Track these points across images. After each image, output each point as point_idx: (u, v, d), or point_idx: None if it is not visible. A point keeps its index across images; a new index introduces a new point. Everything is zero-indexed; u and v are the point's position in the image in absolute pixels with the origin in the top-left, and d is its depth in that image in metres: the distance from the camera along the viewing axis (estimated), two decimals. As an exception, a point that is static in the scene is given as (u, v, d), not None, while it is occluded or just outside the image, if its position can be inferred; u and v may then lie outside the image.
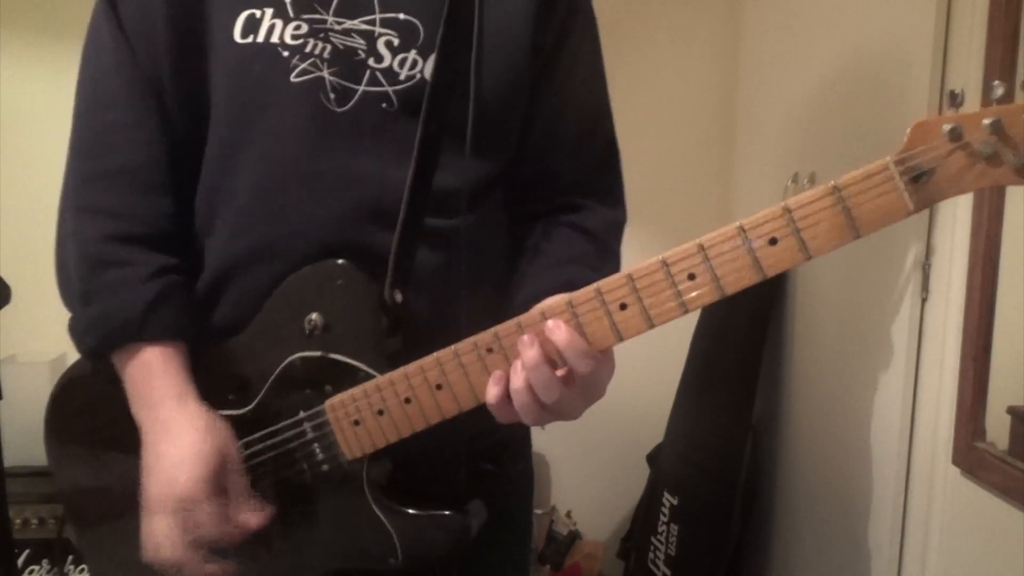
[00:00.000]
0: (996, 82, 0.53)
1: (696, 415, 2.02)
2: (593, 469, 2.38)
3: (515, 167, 0.83)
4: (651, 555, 1.99)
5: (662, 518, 1.97)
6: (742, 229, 0.58)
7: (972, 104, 0.53)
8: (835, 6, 1.65)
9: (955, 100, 0.53)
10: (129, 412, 0.74)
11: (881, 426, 1.43)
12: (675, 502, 1.94)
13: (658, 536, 1.97)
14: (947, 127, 0.52)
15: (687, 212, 2.27)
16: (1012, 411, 1.14)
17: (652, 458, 2.19)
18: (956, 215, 1.23)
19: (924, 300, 1.31)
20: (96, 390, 0.79)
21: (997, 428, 1.16)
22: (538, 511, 2.26)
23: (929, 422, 1.30)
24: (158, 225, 0.76)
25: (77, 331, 0.74)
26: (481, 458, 0.81)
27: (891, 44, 1.40)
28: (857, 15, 1.54)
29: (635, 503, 2.21)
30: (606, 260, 0.82)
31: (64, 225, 0.77)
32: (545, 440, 2.36)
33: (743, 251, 0.58)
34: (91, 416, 0.81)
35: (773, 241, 0.57)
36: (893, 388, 1.38)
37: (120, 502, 0.77)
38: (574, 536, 2.24)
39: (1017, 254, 1.12)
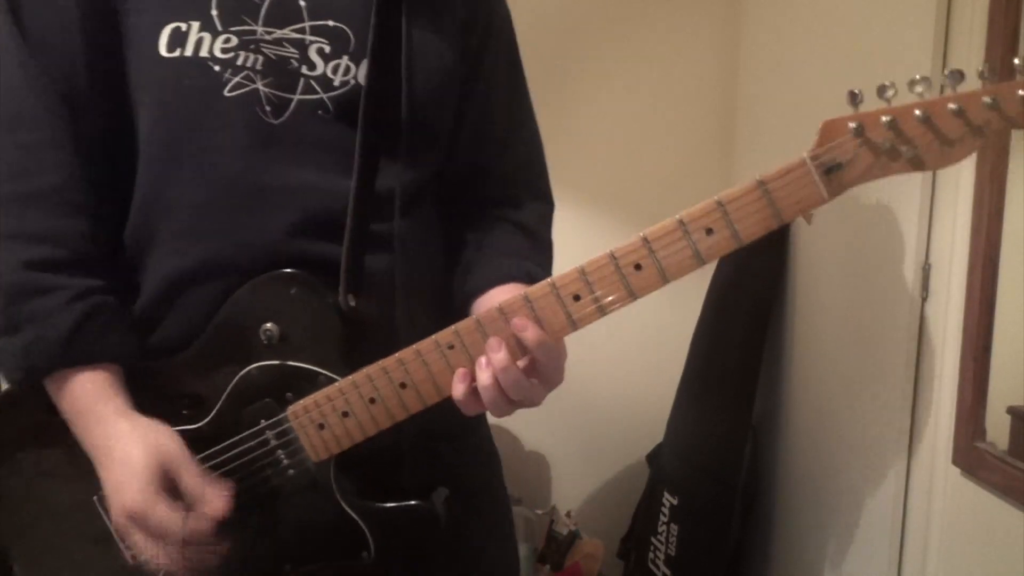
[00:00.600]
0: (917, 76, 0.60)
1: (696, 415, 2.02)
2: (593, 469, 2.38)
3: (447, 166, 0.86)
4: (651, 555, 1.99)
5: (662, 518, 1.97)
6: (682, 222, 0.64)
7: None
8: (835, 5, 1.65)
9: (855, 99, 0.60)
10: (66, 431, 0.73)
11: (881, 426, 1.42)
12: (675, 502, 1.94)
13: (658, 536, 1.97)
14: (852, 125, 0.59)
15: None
16: (1012, 411, 1.14)
17: (652, 458, 2.18)
18: (956, 215, 1.23)
19: (924, 300, 1.31)
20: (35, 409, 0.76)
21: (997, 428, 1.16)
22: (538, 511, 2.26)
23: (929, 422, 1.30)
24: (80, 247, 0.73)
25: (1, 362, 0.72)
26: (434, 439, 0.82)
27: (891, 43, 1.40)
28: (857, 14, 1.54)
29: (635, 503, 2.21)
30: (541, 251, 0.89)
31: None
32: (545, 440, 2.36)
33: (684, 243, 0.64)
34: (32, 434, 0.77)
35: (709, 231, 0.63)
36: (893, 388, 1.38)
37: (56, 520, 0.77)
38: (574, 536, 2.23)
39: (1017, 254, 1.12)
